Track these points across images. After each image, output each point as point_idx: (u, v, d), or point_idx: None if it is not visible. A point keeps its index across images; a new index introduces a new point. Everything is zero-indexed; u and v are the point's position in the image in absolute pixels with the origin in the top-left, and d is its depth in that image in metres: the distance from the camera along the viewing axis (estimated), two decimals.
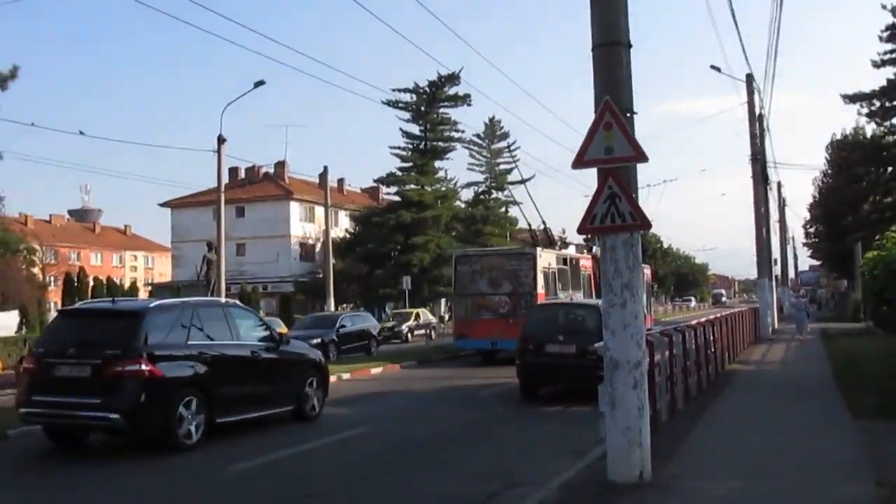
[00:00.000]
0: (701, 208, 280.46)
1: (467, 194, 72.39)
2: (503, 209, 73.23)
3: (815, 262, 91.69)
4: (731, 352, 22.72)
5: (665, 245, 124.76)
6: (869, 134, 54.53)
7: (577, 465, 9.50)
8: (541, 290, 26.50)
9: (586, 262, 32.19)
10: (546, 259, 28.03)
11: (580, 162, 8.28)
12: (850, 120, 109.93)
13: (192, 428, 11.96)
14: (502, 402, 17.16)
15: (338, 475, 10.12)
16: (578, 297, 28.86)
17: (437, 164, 64.40)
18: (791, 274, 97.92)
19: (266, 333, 14.15)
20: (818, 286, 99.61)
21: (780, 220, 73.73)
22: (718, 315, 22.61)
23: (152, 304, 12.59)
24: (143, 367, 11.38)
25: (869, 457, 9.63)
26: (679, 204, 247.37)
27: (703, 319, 19.33)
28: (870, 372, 18.88)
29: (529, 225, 35.59)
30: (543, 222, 33.02)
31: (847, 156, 54.97)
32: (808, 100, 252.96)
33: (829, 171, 62.00)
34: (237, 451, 11.76)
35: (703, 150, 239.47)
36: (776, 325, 42.97)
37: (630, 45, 8.50)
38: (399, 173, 62.07)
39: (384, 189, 70.87)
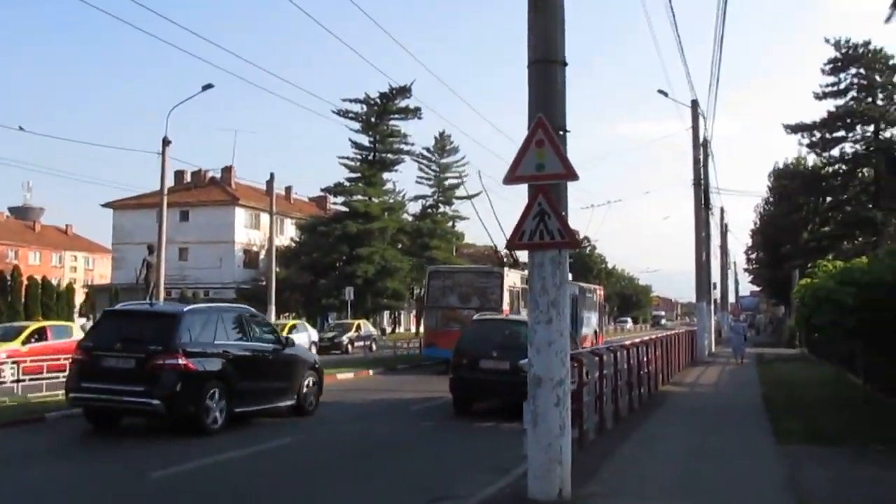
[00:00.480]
0: (645, 230, 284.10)
1: (415, 207, 72.60)
2: (450, 224, 73.47)
3: (756, 288, 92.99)
4: (665, 373, 22.94)
5: (609, 266, 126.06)
6: (810, 164, 55.73)
7: (500, 481, 9.46)
8: (506, 306, 28.70)
9: None
10: (512, 279, 30.43)
11: (512, 177, 8.27)
12: (792, 150, 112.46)
13: (217, 415, 13.99)
14: (435, 416, 17.09)
15: (259, 486, 9.95)
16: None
17: (386, 175, 64.45)
18: (731, 299, 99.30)
19: (274, 336, 16.48)
20: (758, 312, 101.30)
21: (721, 245, 74.85)
22: (653, 336, 22.81)
23: (186, 308, 14.73)
24: (181, 361, 13.54)
25: (790, 479, 9.74)
26: (623, 225, 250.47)
27: (637, 340, 19.47)
28: (798, 397, 19.19)
29: (495, 247, 37.56)
30: (494, 246, 34.68)
31: (788, 184, 56.05)
32: (754, 128, 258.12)
33: (771, 199, 63.14)
34: (155, 457, 11.55)
35: (648, 173, 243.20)
36: (713, 349, 43.60)
37: (565, 64, 8.52)
38: (347, 183, 61.90)
39: (331, 199, 70.64)
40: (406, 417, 17.08)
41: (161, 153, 35.42)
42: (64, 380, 15.65)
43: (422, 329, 38.28)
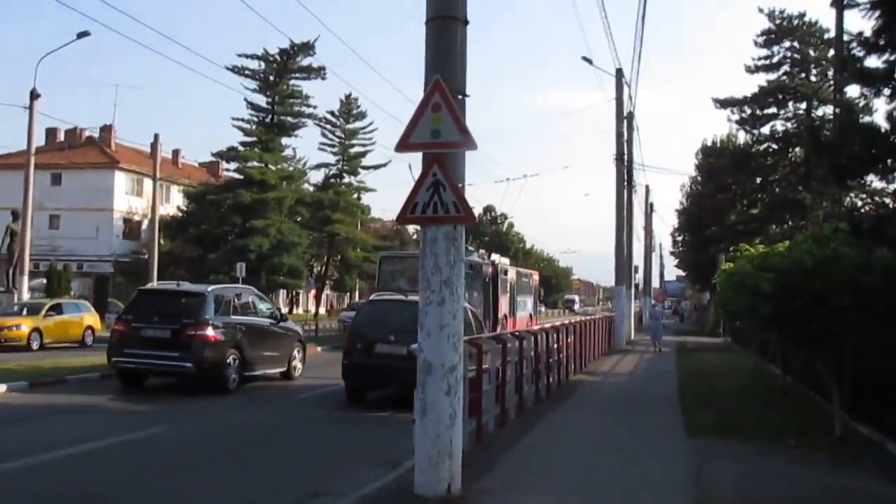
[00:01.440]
0: (565, 208, 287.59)
1: (316, 177, 72.11)
2: (355, 195, 73.20)
3: (682, 273, 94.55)
4: (578, 362, 23.32)
5: (527, 245, 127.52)
6: (740, 142, 56.95)
7: (388, 475, 9.48)
8: None
9: (487, 269, 35.74)
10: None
11: (405, 144, 8.24)
12: (723, 126, 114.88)
13: (234, 376, 18.86)
14: (326, 404, 17.06)
15: (126, 478, 9.79)
16: (479, 301, 32.48)
17: (285, 141, 63.82)
18: (656, 283, 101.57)
19: (273, 312, 21.70)
20: (683, 298, 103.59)
21: (645, 226, 76.33)
22: (565, 322, 23.15)
23: (210, 288, 19.52)
24: (209, 331, 18.27)
25: (696, 474, 9.99)
26: (542, 202, 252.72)
27: (547, 326, 19.73)
28: (715, 389, 19.74)
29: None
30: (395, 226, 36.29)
31: (715, 162, 57.07)
32: (682, 102, 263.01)
33: (699, 178, 64.32)
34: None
35: (568, 147, 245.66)
36: (632, 336, 44.52)
37: (467, 22, 8.50)
38: (241, 148, 61.04)
39: (224, 165, 69.63)
40: (294, 405, 17.03)
41: (28, 107, 34.36)
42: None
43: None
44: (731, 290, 14.65)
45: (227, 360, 18.59)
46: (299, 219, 65.60)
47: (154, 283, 25.32)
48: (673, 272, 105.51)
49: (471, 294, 33.02)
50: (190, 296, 19.08)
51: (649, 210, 77.28)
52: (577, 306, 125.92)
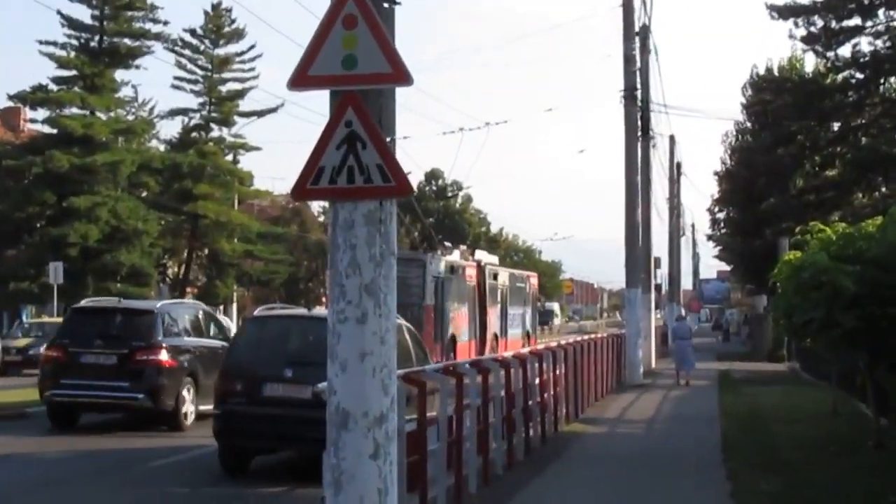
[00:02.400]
0: (549, 173, 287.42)
1: (170, 129, 71.59)
2: (230, 157, 72.76)
3: (725, 267, 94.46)
4: (572, 404, 23.39)
5: (493, 229, 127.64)
6: (808, 69, 57.11)
7: None
8: (430, 301, 33.92)
9: (471, 273, 38.11)
10: (435, 268, 35.24)
11: (302, 78, 8.11)
12: (782, 47, 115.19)
13: (191, 411, 22.40)
14: (191, 476, 16.94)
15: None
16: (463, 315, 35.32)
17: (121, 75, 63.27)
18: (687, 283, 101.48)
19: (222, 334, 24.95)
20: (727, 304, 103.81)
21: (670, 196, 75.80)
22: (552, 346, 23.21)
23: (159, 304, 24.06)
24: (163, 356, 21.63)
25: None
26: (514, 165, 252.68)
27: (523, 352, 19.73)
28: (774, 442, 19.87)
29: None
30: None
31: (772, 102, 57.19)
32: (723, 11, 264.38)
33: (748, 125, 64.42)
34: None
35: (552, 79, 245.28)
36: (653, 364, 44.77)
37: None
38: (54, 87, 60.37)
39: (27, 113, 68.67)
40: (139, 480, 16.84)
41: None
42: None
43: None
44: (798, 291, 14.77)
45: (184, 391, 22.29)
46: (145, 194, 65.09)
47: (90, 300, 28.41)
48: (712, 267, 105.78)
49: (450, 306, 35.32)
50: (137, 314, 23.17)
51: (675, 173, 76.78)
52: (556, 320, 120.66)
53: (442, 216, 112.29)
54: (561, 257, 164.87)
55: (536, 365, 18.78)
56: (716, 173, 72.54)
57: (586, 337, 32.07)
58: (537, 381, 18.72)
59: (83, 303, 26.53)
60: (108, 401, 21.77)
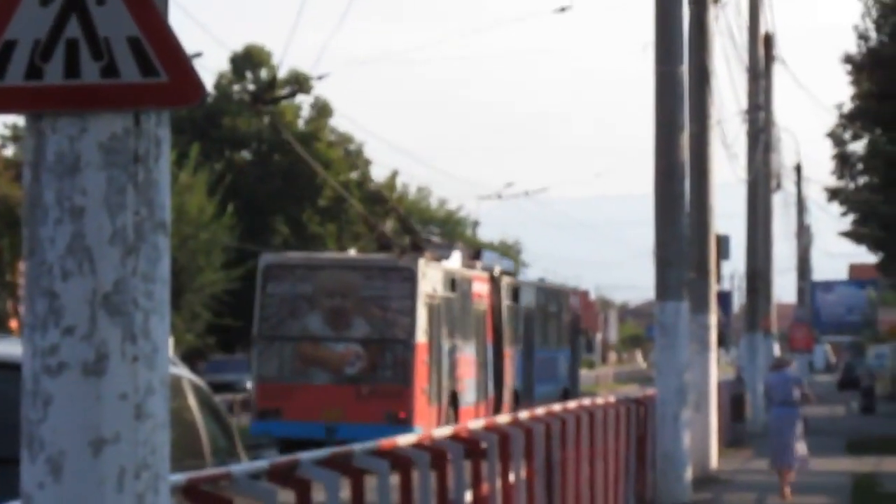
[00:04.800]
0: (499, 71, 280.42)
1: None
2: None
3: (865, 257, 59.83)
4: None
5: (412, 189, 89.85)
6: None
7: None
8: (422, 336, 26.30)
9: (481, 289, 31.03)
10: (432, 279, 27.79)
11: None
12: None
13: None
14: None
15: None
16: (468, 360, 28.61)
17: None
18: (788, 291, 64.66)
19: None
20: (869, 336, 67.20)
21: (750, 108, 41.03)
22: (492, 425, 17.57)
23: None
24: None
25: None
26: (404, 38, 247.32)
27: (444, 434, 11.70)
28: None
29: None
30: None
31: None
32: None
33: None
34: None
35: None
36: (715, 459, 28.00)
37: None
38: None
39: None
40: None
41: None
42: None
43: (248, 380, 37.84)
44: None
45: None
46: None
47: None
48: (837, 256, 70.75)
49: (450, 344, 28.28)
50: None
51: (764, 58, 45.81)
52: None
53: (269, 145, 68.04)
54: (520, 235, 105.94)
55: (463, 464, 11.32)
56: (848, 59, 45.23)
57: (571, 405, 18.55)
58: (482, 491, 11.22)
59: None
60: None
